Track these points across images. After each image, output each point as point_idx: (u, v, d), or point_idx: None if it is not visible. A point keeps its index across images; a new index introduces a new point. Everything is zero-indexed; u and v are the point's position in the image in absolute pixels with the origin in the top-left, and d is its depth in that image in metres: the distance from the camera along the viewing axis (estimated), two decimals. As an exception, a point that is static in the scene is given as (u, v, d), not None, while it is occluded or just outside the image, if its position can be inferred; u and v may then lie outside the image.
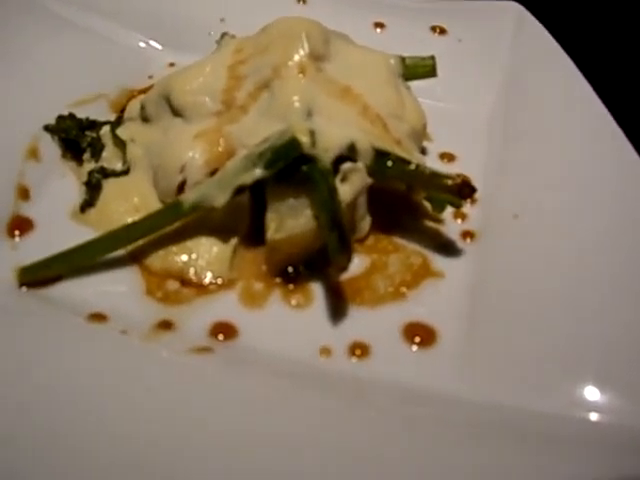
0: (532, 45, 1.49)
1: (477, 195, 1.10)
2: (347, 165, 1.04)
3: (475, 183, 1.07)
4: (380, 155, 1.06)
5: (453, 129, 1.36)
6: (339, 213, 0.98)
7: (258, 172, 1.01)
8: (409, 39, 1.47)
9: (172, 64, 1.48)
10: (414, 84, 1.26)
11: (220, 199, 1.02)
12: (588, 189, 1.15)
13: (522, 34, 1.52)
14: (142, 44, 1.53)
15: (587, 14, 1.88)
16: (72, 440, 0.80)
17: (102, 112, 1.32)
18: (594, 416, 0.86)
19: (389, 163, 1.06)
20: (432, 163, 1.20)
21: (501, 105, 1.41)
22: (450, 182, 1.05)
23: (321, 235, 1.00)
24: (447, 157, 1.32)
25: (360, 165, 1.05)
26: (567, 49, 1.43)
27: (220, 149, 1.09)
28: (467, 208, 1.18)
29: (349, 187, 1.04)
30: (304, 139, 1.01)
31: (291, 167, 1.01)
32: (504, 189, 1.21)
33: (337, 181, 1.03)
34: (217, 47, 1.26)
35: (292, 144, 1.00)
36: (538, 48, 1.47)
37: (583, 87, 1.33)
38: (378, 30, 1.56)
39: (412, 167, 1.06)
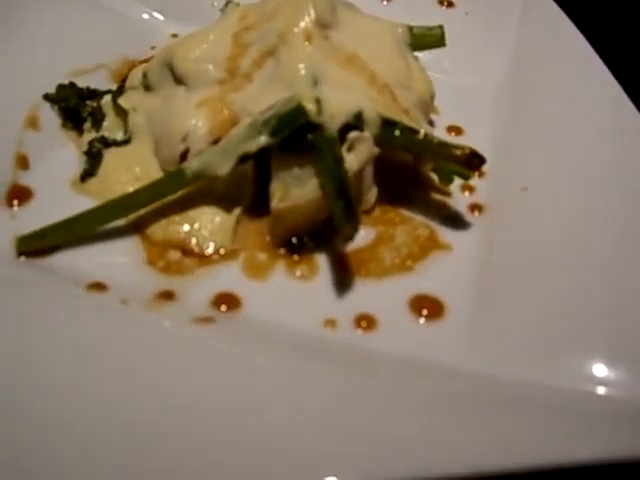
0: (541, 18, 1.47)
1: (485, 168, 1.09)
2: (354, 134, 1.02)
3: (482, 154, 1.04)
4: (387, 124, 1.04)
5: (461, 102, 1.34)
6: (345, 182, 0.97)
7: (263, 140, 0.99)
8: (416, 11, 1.44)
9: (175, 35, 1.46)
10: (421, 58, 1.24)
11: (224, 167, 1.01)
12: (597, 160, 1.13)
13: (531, 6, 1.51)
14: (145, 15, 1.51)
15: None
16: (73, 410, 0.78)
17: (103, 82, 1.31)
18: (602, 390, 0.85)
19: (397, 132, 1.04)
20: (439, 136, 1.15)
21: (509, 78, 1.39)
22: (459, 152, 1.02)
23: (327, 205, 0.98)
24: (455, 130, 1.30)
25: (367, 134, 1.03)
26: (576, 21, 1.41)
27: (224, 117, 1.07)
28: (475, 181, 1.16)
29: (355, 156, 1.02)
30: (310, 106, 0.99)
31: (296, 135, 0.99)
32: (512, 162, 1.19)
33: (343, 150, 1.01)
34: (221, 15, 1.23)
35: (298, 111, 0.98)
36: (547, 21, 1.46)
37: (593, 59, 1.31)
38: (385, 2, 1.55)
39: (420, 137, 1.04)
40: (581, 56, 1.33)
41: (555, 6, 1.47)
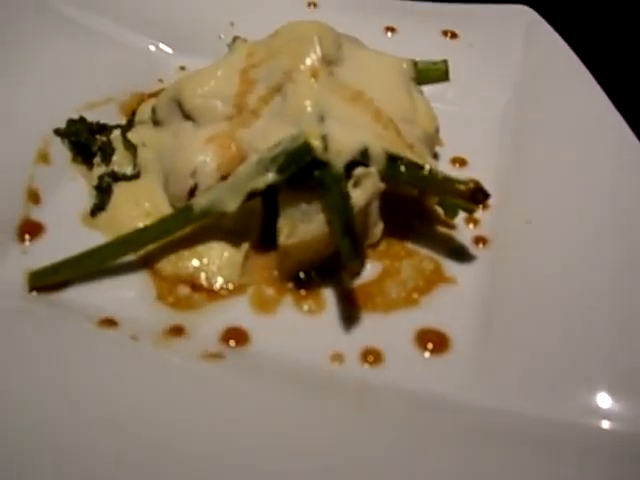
0: (543, 49, 1.48)
1: (489, 200, 1.09)
2: (359, 170, 1.04)
3: (487, 188, 1.05)
4: (393, 160, 1.05)
5: (464, 133, 1.35)
6: (352, 218, 0.98)
7: (270, 177, 1.00)
8: (420, 43, 1.47)
9: (182, 67, 1.48)
10: (424, 89, 1.26)
11: (232, 204, 1.02)
12: (602, 193, 1.14)
13: (533, 38, 1.51)
14: (152, 47, 1.53)
15: (598, 17, 1.87)
16: (83, 447, 0.79)
17: (112, 116, 1.32)
18: (606, 424, 0.85)
19: (402, 168, 1.05)
20: (444, 168, 1.18)
21: (513, 109, 1.40)
22: (463, 187, 1.04)
23: (333, 240, 1.00)
24: (459, 162, 1.31)
25: (373, 170, 1.04)
26: (578, 52, 1.42)
27: (232, 153, 1.08)
28: (479, 213, 1.17)
29: (362, 192, 1.03)
30: (316, 143, 1.00)
31: (303, 172, 1.01)
32: (516, 194, 1.20)
33: (349, 186, 1.02)
34: (229, 51, 1.25)
35: (304, 148, 0.99)
36: (550, 52, 1.46)
37: (595, 91, 1.32)
38: (389, 34, 1.56)
39: (425, 172, 1.05)
40: (583, 87, 1.34)
41: (557, 37, 1.48)
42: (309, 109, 1.06)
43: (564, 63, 1.41)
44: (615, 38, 1.78)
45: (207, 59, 1.26)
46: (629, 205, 1.11)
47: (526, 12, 1.57)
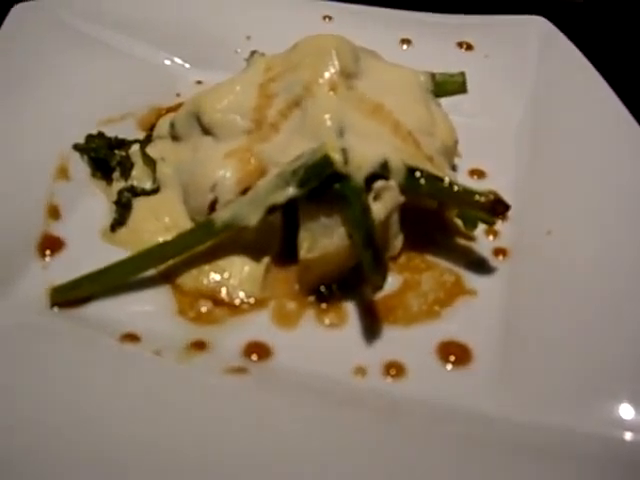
0: (559, 59, 1.48)
1: (509, 212, 1.08)
2: (380, 183, 1.04)
3: (506, 199, 1.05)
4: (412, 172, 1.06)
5: (482, 145, 1.34)
6: (373, 231, 0.98)
7: (291, 191, 1.01)
8: (436, 55, 1.47)
9: (199, 82, 1.49)
10: (441, 101, 1.25)
11: (253, 218, 1.02)
12: (621, 204, 1.13)
13: (549, 48, 1.52)
14: (169, 62, 1.54)
15: (613, 27, 1.87)
16: (108, 464, 0.79)
17: (131, 130, 1.33)
18: (629, 435, 0.84)
19: (422, 181, 1.06)
20: (462, 179, 1.19)
21: (530, 120, 1.40)
22: (483, 199, 1.04)
23: (355, 254, 1.00)
24: (477, 173, 1.31)
25: (392, 183, 1.04)
26: (594, 62, 1.42)
27: (251, 167, 1.09)
28: (499, 225, 1.16)
29: (382, 205, 1.03)
30: (337, 157, 1.00)
31: (323, 185, 1.01)
32: (536, 205, 1.20)
33: (370, 199, 1.02)
34: (247, 65, 1.25)
35: (325, 162, 0.99)
36: (565, 62, 1.46)
37: (611, 100, 1.32)
38: (405, 46, 1.56)
39: (445, 184, 1.05)
40: (600, 97, 1.34)
41: (573, 47, 1.48)
42: (329, 123, 1.06)
43: (580, 73, 1.41)
44: (631, 47, 1.78)
45: (224, 73, 1.26)
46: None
47: (541, 23, 1.57)
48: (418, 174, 1.06)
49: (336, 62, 1.12)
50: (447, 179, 1.06)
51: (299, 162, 1.01)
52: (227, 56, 1.49)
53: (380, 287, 0.99)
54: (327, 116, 1.07)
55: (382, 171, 1.04)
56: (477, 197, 1.04)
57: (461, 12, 1.64)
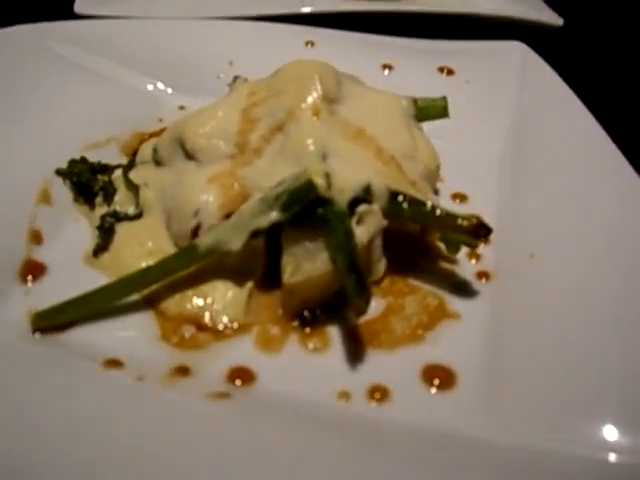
0: (538, 83, 1.51)
1: (490, 235, 1.09)
2: (363, 207, 1.04)
3: (488, 223, 1.06)
4: (395, 196, 1.06)
5: (464, 169, 1.36)
6: (356, 255, 0.98)
7: (274, 215, 1.01)
8: (418, 80, 1.48)
9: (182, 107, 1.49)
10: (423, 125, 1.26)
11: (236, 243, 1.02)
12: (602, 226, 1.15)
13: (528, 73, 1.54)
14: (151, 87, 1.54)
15: (592, 51, 1.89)
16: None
17: (113, 155, 1.34)
18: (613, 456, 0.85)
19: (404, 205, 1.06)
20: (445, 204, 1.20)
21: (511, 144, 1.42)
22: (466, 223, 1.04)
23: (338, 278, 1.00)
24: (459, 197, 1.32)
25: (375, 207, 1.05)
26: (573, 86, 1.45)
27: (234, 192, 1.09)
28: (481, 248, 1.17)
29: (365, 229, 1.03)
30: (320, 181, 1.01)
31: (307, 210, 1.01)
32: (518, 228, 1.21)
33: (353, 223, 1.03)
34: (229, 90, 1.26)
35: (308, 187, 1.00)
36: (544, 86, 1.49)
37: (590, 123, 1.34)
38: (386, 71, 1.58)
39: (427, 208, 1.06)
40: (579, 120, 1.36)
41: (552, 71, 1.51)
42: (311, 147, 1.07)
43: (559, 97, 1.44)
44: (609, 71, 1.81)
45: (206, 98, 1.27)
46: (629, 238, 1.11)
47: (520, 48, 1.60)
48: (401, 198, 1.06)
49: (319, 87, 1.13)
50: (430, 203, 1.07)
51: (282, 187, 1.02)
52: (210, 81, 1.50)
53: (364, 311, 0.99)
54: (310, 141, 1.08)
55: (365, 195, 1.05)
56: (460, 221, 1.05)
57: (442, 38, 1.66)
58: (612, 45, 1.95)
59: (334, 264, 1.00)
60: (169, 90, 1.55)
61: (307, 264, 1.02)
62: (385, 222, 1.06)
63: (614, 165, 1.25)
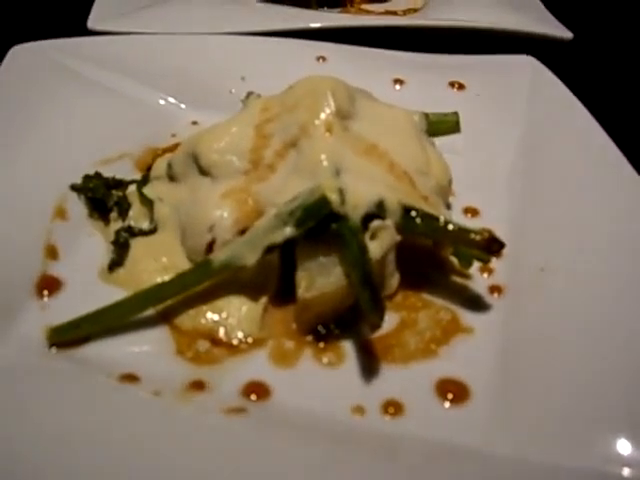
0: (548, 97, 1.51)
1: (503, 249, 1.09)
2: (376, 223, 1.05)
3: (500, 237, 1.07)
4: (408, 212, 1.07)
5: (475, 183, 1.36)
6: (370, 270, 0.99)
7: (288, 231, 1.02)
8: (429, 94, 1.49)
9: (195, 122, 1.50)
10: (434, 139, 1.27)
11: (250, 258, 1.03)
12: (615, 239, 1.15)
13: (538, 86, 1.54)
14: (164, 102, 1.55)
15: (602, 64, 1.90)
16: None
17: (127, 171, 1.34)
18: (627, 471, 0.84)
19: (417, 220, 1.07)
20: (456, 218, 1.20)
21: (522, 157, 1.41)
22: (479, 238, 1.05)
23: (352, 293, 1.00)
24: (471, 211, 1.32)
25: (389, 222, 1.05)
26: (583, 99, 1.45)
27: (249, 208, 1.10)
28: (493, 262, 1.17)
29: (378, 244, 1.04)
30: (333, 197, 1.01)
31: (321, 225, 1.02)
32: (529, 242, 1.21)
33: (366, 238, 1.03)
34: (243, 106, 1.27)
35: (322, 202, 1.01)
36: (554, 100, 1.49)
37: (601, 136, 1.35)
38: (397, 86, 1.59)
39: (440, 223, 1.07)
40: (589, 133, 1.37)
41: (562, 85, 1.51)
42: (325, 163, 1.08)
43: (569, 110, 1.44)
44: (619, 84, 1.81)
45: (219, 113, 1.28)
46: (641, 248, 1.11)
47: (530, 62, 1.61)
48: (414, 213, 1.07)
49: (332, 103, 1.14)
50: (442, 218, 1.07)
51: (296, 202, 1.02)
52: (222, 97, 1.51)
53: (378, 326, 1.00)
54: (323, 156, 1.08)
55: (378, 211, 1.05)
56: (472, 235, 1.05)
57: (452, 52, 1.67)
58: (622, 58, 1.96)
59: (348, 279, 1.00)
60: (182, 105, 1.55)
61: (321, 279, 1.02)
62: (398, 237, 1.07)
63: (627, 180, 1.25)
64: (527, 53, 1.63)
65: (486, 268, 1.18)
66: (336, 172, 1.07)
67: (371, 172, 1.10)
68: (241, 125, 1.18)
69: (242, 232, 1.07)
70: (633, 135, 1.40)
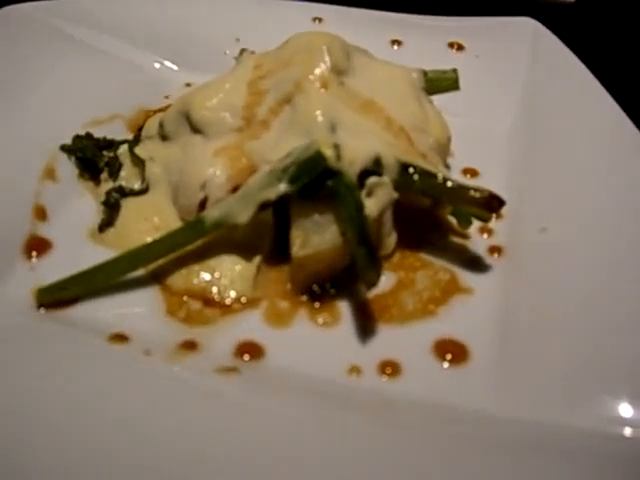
0: (550, 59, 1.49)
1: (502, 210, 1.08)
2: (373, 179, 1.02)
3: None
4: (406, 168, 1.04)
5: (474, 144, 1.33)
6: (367, 228, 0.96)
7: (282, 187, 0.99)
8: (427, 55, 1.45)
9: (188, 84, 1.47)
10: (433, 100, 1.24)
11: (243, 216, 1.01)
12: (616, 198, 1.13)
13: (540, 48, 1.52)
14: (158, 65, 1.52)
15: (604, 27, 1.87)
16: (92, 465, 0.77)
17: (119, 132, 1.31)
18: (629, 431, 0.84)
19: (415, 177, 1.04)
20: (455, 179, 1.17)
21: (522, 118, 1.39)
22: (479, 195, 1.03)
23: (348, 251, 0.98)
24: (470, 172, 1.30)
25: (386, 179, 1.03)
26: (585, 62, 1.43)
27: (242, 165, 1.07)
28: (493, 223, 1.16)
29: (375, 202, 1.02)
30: (329, 152, 0.99)
31: (315, 182, 0.99)
32: (529, 203, 1.19)
33: (362, 196, 1.01)
34: (236, 63, 1.24)
35: (317, 158, 0.98)
36: (556, 61, 1.47)
37: (603, 97, 1.33)
38: (395, 47, 1.56)
39: (439, 180, 1.04)
40: (591, 94, 1.35)
41: (563, 47, 1.49)
42: (320, 118, 1.05)
43: (571, 71, 1.42)
44: (621, 47, 1.78)
45: (213, 75, 1.25)
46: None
47: (531, 24, 1.58)
48: (412, 170, 1.04)
49: (327, 59, 1.11)
50: (441, 175, 1.05)
51: (290, 158, 1.00)
52: (216, 58, 1.48)
53: (374, 284, 0.98)
54: (318, 112, 1.05)
55: (375, 167, 1.03)
56: (472, 193, 1.03)
57: (451, 14, 1.64)
58: (623, 21, 1.92)
59: (344, 237, 0.98)
60: (175, 67, 1.53)
61: (316, 237, 1.00)
62: (396, 195, 1.04)
63: (628, 139, 1.23)
64: (529, 16, 1.60)
65: (485, 229, 1.16)
66: (332, 128, 1.05)
67: (368, 128, 1.07)
68: (234, 82, 1.16)
69: (235, 190, 1.05)
70: (635, 95, 1.37)
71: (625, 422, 0.84)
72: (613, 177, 1.17)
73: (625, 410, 0.85)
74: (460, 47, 1.56)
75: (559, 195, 1.18)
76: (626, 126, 1.25)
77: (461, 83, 1.27)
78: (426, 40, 1.56)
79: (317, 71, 1.10)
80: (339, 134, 1.04)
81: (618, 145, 1.23)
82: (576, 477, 0.79)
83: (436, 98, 1.25)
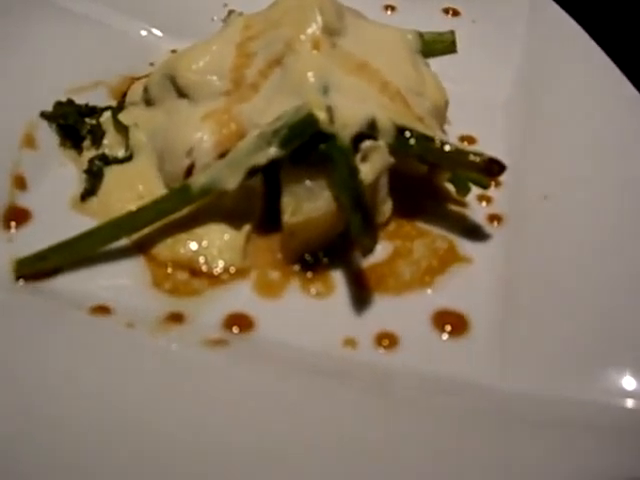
0: (548, 24, 1.46)
1: (501, 177, 1.06)
2: (367, 143, 0.99)
3: (500, 160, 1.02)
4: (402, 132, 1.01)
5: (471, 111, 1.30)
6: (362, 193, 0.93)
7: (272, 151, 0.95)
8: (421, 20, 1.40)
9: (174, 51, 1.41)
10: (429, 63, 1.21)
11: (232, 181, 0.97)
12: (617, 165, 1.11)
13: (538, 13, 1.49)
14: (143, 31, 1.47)
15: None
16: (75, 441, 0.75)
17: (102, 99, 1.26)
18: (631, 402, 0.82)
19: (412, 141, 1.01)
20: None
21: (520, 85, 1.37)
22: (478, 159, 0.99)
23: (342, 217, 0.95)
24: (467, 140, 1.26)
25: (381, 143, 0.99)
26: (583, 24, 1.41)
27: (230, 130, 1.03)
28: (492, 191, 1.13)
29: (370, 166, 0.98)
30: (321, 115, 0.95)
31: (307, 146, 0.96)
32: (528, 170, 1.16)
33: (357, 160, 0.97)
34: (224, 25, 1.20)
35: (309, 120, 0.95)
36: (555, 26, 1.44)
37: (603, 61, 1.31)
38: (389, 12, 1.53)
39: (436, 144, 1.01)
40: (591, 59, 1.32)
41: (562, 12, 1.46)
42: (312, 80, 1.01)
43: (570, 37, 1.39)
44: (620, 8, 1.75)
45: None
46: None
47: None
48: (408, 134, 1.01)
49: (319, 18, 1.07)
50: (438, 139, 1.01)
51: (281, 121, 0.96)
52: (203, 24, 1.42)
53: (370, 251, 0.94)
54: (310, 73, 1.01)
55: (370, 130, 0.99)
56: (471, 157, 1.00)
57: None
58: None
59: (337, 203, 0.95)
60: (161, 34, 1.47)
61: (308, 204, 0.96)
62: (391, 159, 1.01)
63: (629, 103, 1.21)
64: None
65: (484, 197, 1.13)
66: (324, 89, 1.01)
67: (362, 90, 1.03)
68: (222, 44, 1.11)
69: (223, 156, 1.01)
70: (635, 59, 1.33)
71: (627, 393, 0.83)
72: (614, 143, 1.15)
73: (628, 381, 0.84)
74: (456, 12, 1.54)
75: (560, 161, 1.15)
76: (628, 91, 1.23)
77: (457, 49, 1.22)
78: (420, 5, 1.53)
79: (308, 31, 1.06)
80: (332, 96, 1.00)
81: (619, 108, 1.21)
82: (578, 449, 0.77)
83: (432, 64, 1.21)
